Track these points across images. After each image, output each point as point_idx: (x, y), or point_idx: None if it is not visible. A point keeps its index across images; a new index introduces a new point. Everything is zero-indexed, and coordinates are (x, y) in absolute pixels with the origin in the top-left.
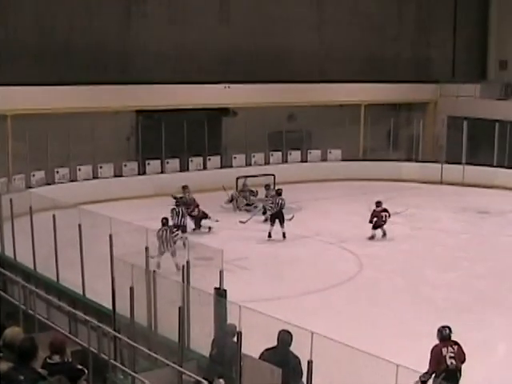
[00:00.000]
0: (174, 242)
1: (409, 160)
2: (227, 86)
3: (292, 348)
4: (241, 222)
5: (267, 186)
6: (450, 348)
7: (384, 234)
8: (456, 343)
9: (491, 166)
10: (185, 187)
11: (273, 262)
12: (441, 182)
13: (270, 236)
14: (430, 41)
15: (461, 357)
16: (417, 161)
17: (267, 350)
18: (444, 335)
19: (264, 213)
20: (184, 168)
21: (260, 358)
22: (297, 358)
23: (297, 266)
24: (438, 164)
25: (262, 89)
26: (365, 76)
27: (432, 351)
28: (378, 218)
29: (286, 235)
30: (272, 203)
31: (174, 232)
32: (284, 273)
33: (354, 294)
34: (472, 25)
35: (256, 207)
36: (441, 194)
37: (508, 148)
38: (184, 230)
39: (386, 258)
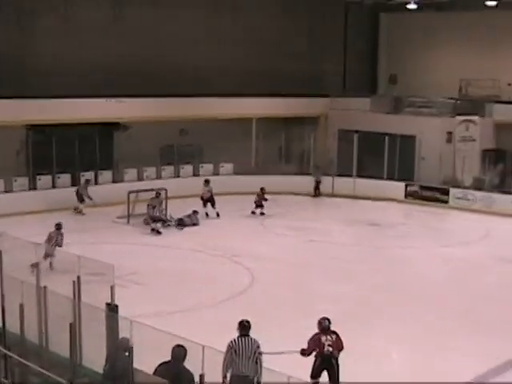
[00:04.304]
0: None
1: (300, 173)
2: (116, 100)
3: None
4: None
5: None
6: (328, 336)
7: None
8: (334, 332)
9: (381, 178)
10: (158, 194)
11: (166, 276)
12: (332, 195)
13: (207, 215)
14: (322, 55)
15: (339, 345)
16: (308, 174)
17: (161, 364)
18: (324, 326)
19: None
20: (75, 183)
21: (154, 372)
22: (189, 372)
23: (190, 280)
24: (329, 177)
25: (154, 103)
26: (258, 90)
27: (312, 337)
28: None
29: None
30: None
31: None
32: (177, 287)
33: (246, 308)
34: (362, 39)
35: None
36: (332, 207)
37: (397, 161)
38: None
39: (278, 271)
